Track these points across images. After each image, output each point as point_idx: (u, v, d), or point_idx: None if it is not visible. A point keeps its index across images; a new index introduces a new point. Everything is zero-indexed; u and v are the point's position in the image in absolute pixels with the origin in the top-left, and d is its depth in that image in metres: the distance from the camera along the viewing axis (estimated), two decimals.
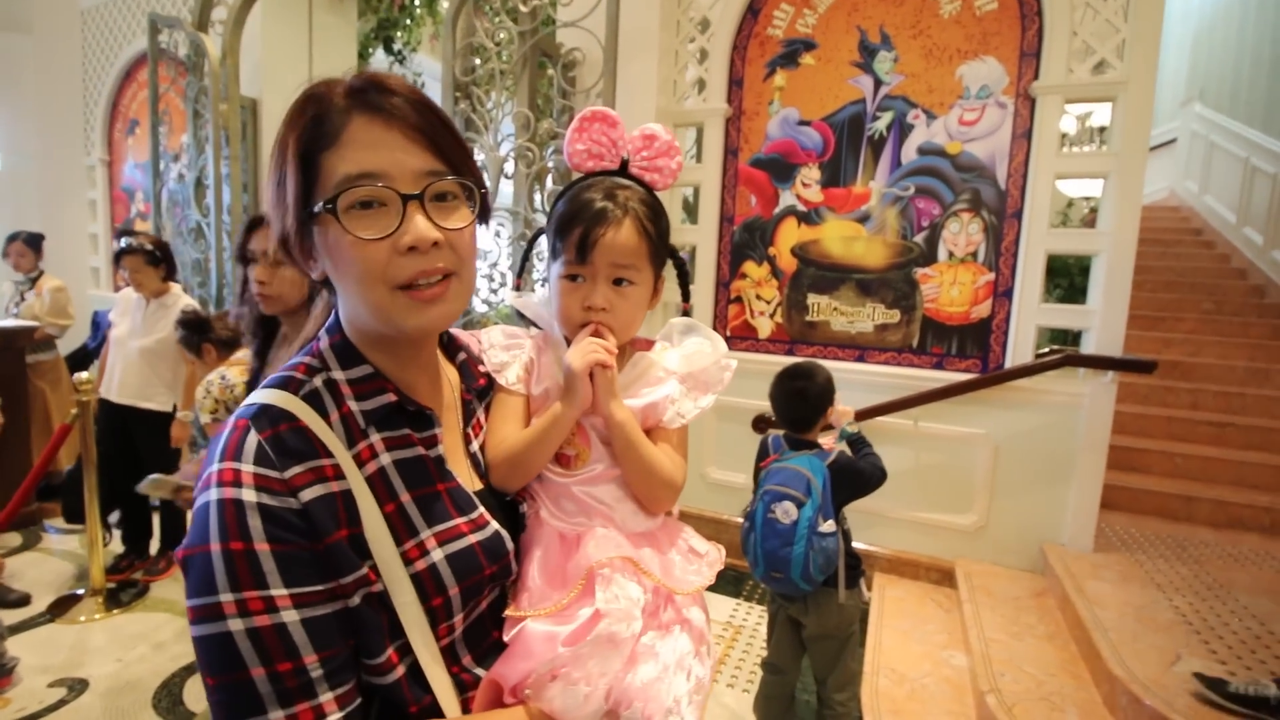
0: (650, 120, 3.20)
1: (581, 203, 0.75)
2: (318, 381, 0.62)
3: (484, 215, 0.67)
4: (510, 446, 0.73)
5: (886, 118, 2.98)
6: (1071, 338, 3.47)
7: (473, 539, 0.64)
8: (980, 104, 2.83)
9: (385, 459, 0.62)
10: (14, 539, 3.22)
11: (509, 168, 3.16)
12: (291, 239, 0.62)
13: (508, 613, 0.67)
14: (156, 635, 2.61)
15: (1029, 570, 2.87)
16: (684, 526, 0.81)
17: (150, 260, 2.85)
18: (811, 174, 3.12)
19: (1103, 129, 5.21)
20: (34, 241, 3.97)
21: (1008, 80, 2.79)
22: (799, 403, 1.88)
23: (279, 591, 0.52)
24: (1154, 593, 2.49)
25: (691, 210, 3.71)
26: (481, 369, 0.79)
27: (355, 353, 0.64)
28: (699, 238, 3.35)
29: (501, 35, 3.18)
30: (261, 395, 0.60)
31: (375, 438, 0.62)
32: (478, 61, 3.23)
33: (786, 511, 1.71)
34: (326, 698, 0.54)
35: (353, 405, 0.62)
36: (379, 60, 5.52)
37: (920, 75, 2.92)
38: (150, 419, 2.94)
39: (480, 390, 0.78)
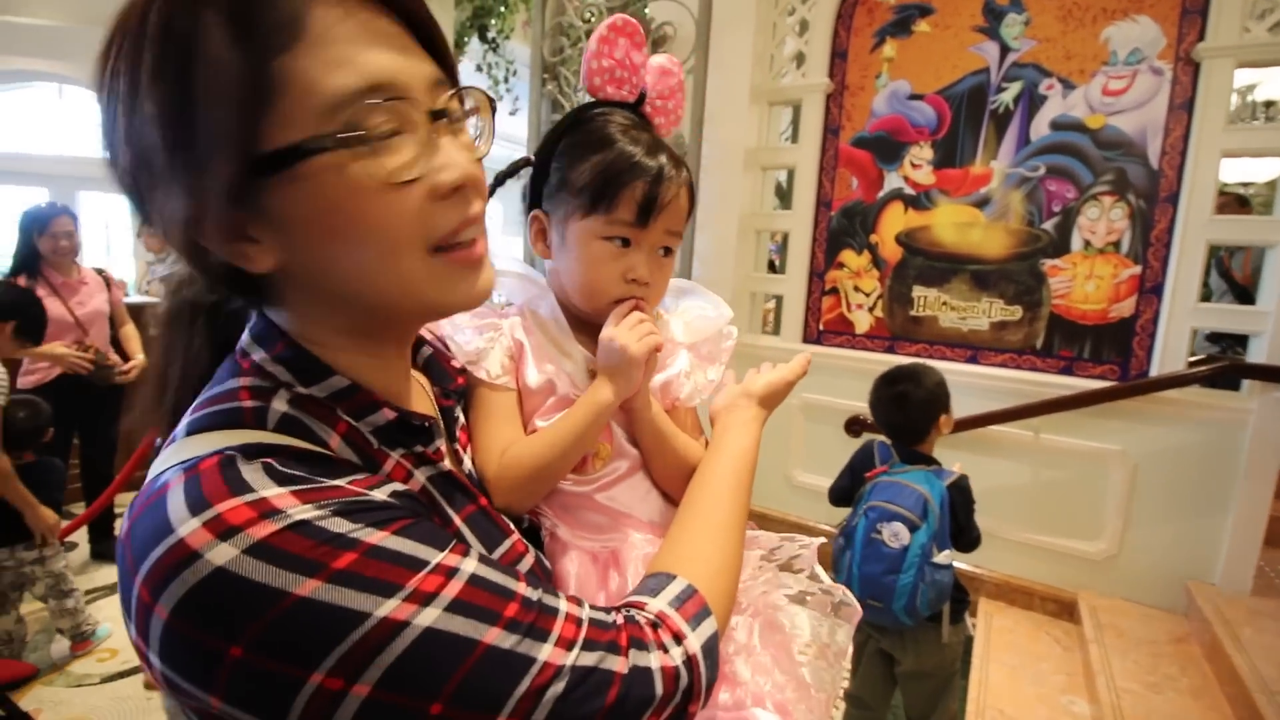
0: (744, 98, 3.02)
1: (628, 153, 0.63)
2: (281, 405, 0.44)
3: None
4: (528, 456, 0.59)
5: (1014, 89, 2.65)
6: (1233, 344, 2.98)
7: (530, 560, 0.54)
8: (1130, 70, 2.45)
9: (421, 476, 0.50)
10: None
11: None
12: (209, 212, 0.40)
13: None
14: None
15: (1168, 610, 2.49)
16: None
17: None
18: (922, 154, 2.83)
19: (1269, 104, 4.50)
20: None
21: (1165, 42, 2.39)
22: (900, 409, 1.66)
23: (440, 556, 0.40)
24: None
25: (785, 195, 3.49)
26: (455, 364, 0.65)
27: (317, 364, 0.47)
28: (792, 224, 3.13)
29: (590, 14, 3.07)
30: (198, 444, 0.41)
31: (396, 455, 0.49)
32: (566, 41, 3.14)
33: (896, 534, 1.50)
34: (564, 603, 0.44)
35: (353, 422, 0.47)
36: (474, 49, 5.57)
37: (1056, 39, 2.56)
38: None
39: (459, 391, 0.63)
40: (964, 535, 1.62)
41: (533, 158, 0.67)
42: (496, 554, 0.52)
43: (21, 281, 2.61)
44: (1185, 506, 2.44)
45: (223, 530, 0.35)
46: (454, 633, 0.38)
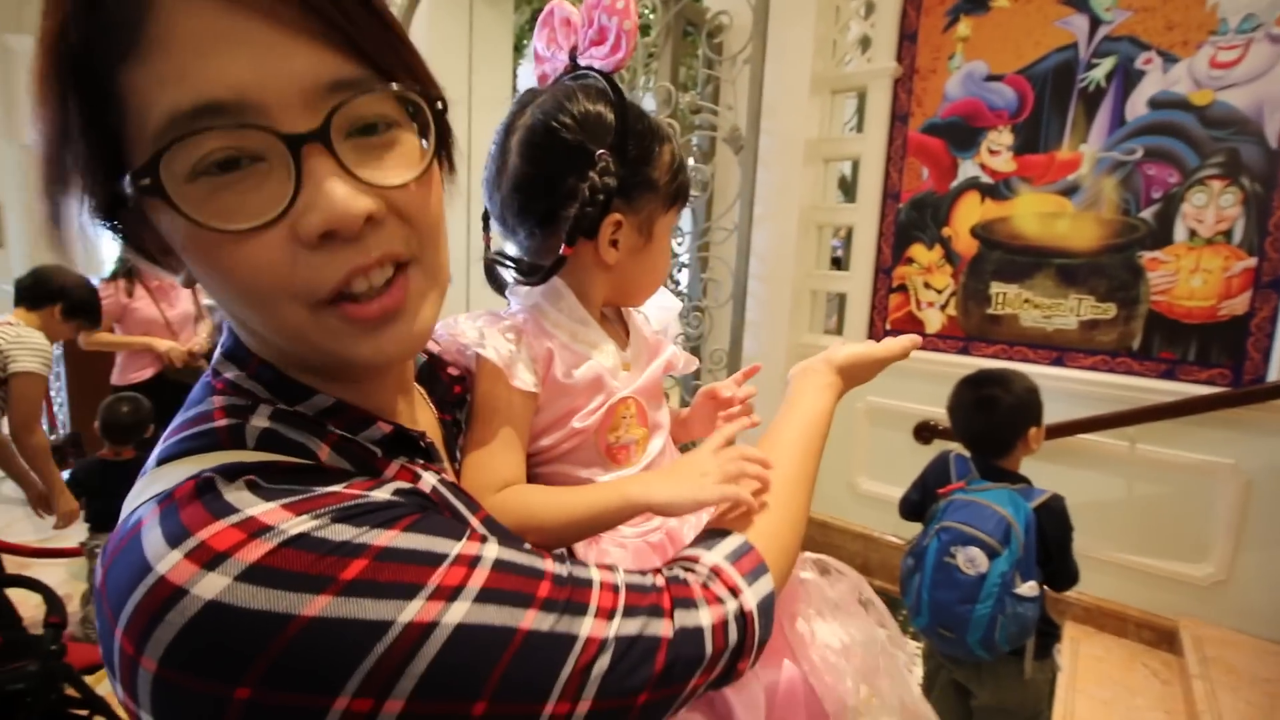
0: (804, 87, 2.87)
1: (668, 133, 0.64)
2: (261, 421, 0.40)
3: (445, 150, 0.43)
4: (527, 514, 0.54)
5: (1106, 64, 2.41)
6: None
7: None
8: (1243, 39, 2.19)
9: (431, 478, 0.46)
10: None
11: None
12: (103, 228, 0.36)
13: None
14: None
15: None
16: None
17: None
18: (1001, 139, 2.62)
19: None
20: None
21: None
22: (984, 416, 1.49)
23: (458, 546, 0.37)
24: None
25: (849, 188, 3.32)
26: (453, 372, 0.60)
27: (295, 385, 0.43)
28: (856, 218, 2.96)
29: (644, 10, 3.01)
30: (173, 473, 0.36)
31: (402, 460, 0.45)
32: None
33: (972, 560, 1.35)
34: (597, 574, 0.42)
35: (345, 433, 0.43)
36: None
37: (1155, 8, 2.31)
38: None
39: (456, 402, 0.59)
40: (1056, 569, 1.44)
41: (606, 153, 0.58)
42: None
43: (120, 284, 2.75)
44: None
45: (209, 559, 0.31)
46: (488, 624, 0.35)
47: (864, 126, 2.92)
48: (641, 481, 0.56)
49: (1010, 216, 2.63)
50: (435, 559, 0.35)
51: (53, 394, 3.63)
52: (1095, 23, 2.42)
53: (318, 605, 0.31)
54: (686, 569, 0.47)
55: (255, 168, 0.34)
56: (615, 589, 0.41)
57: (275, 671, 0.30)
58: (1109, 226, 2.45)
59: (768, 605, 0.47)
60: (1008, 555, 1.33)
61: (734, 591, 0.46)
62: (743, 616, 0.45)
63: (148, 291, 2.83)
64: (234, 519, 0.32)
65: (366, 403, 0.46)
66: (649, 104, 3.02)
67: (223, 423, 0.39)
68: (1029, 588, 1.35)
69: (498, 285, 0.67)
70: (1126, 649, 2.39)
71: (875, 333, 2.99)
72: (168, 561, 0.31)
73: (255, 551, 0.31)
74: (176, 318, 2.91)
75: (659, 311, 0.75)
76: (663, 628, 0.41)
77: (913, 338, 0.70)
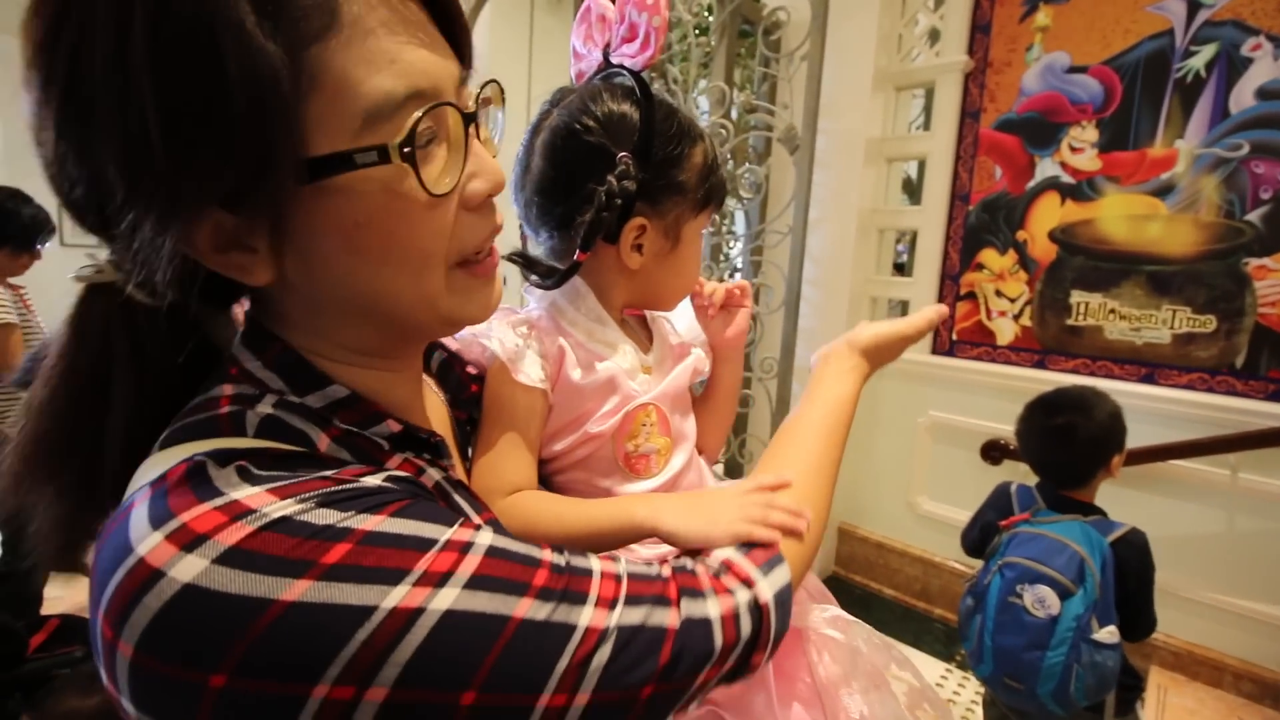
0: (866, 84, 2.74)
1: (708, 141, 0.63)
2: (264, 408, 0.40)
3: None
4: (531, 522, 0.53)
5: (1206, 52, 2.19)
6: None
7: None
8: None
9: (436, 474, 0.46)
10: None
11: None
12: (204, 220, 0.35)
13: None
14: None
15: None
16: (738, 482, 0.72)
17: None
18: (1085, 135, 2.42)
19: None
20: None
21: None
22: (1063, 446, 1.34)
23: (449, 532, 0.36)
24: None
25: (914, 189, 3.15)
26: (471, 371, 0.58)
27: (314, 372, 0.43)
28: (921, 221, 2.80)
29: (697, 8, 2.93)
30: (167, 458, 0.36)
31: (409, 454, 0.46)
32: (673, 38, 3.02)
33: (1042, 601, 1.21)
34: (598, 563, 0.41)
35: (351, 428, 0.43)
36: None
37: None
38: None
39: (472, 401, 0.57)
40: (1133, 614, 1.27)
41: (630, 157, 0.57)
42: None
43: None
44: None
45: (188, 541, 0.30)
46: (479, 611, 0.34)
47: (931, 124, 2.77)
48: (652, 504, 0.53)
49: (1094, 219, 2.42)
50: (424, 544, 0.34)
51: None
52: (1194, 6, 2.21)
53: (297, 590, 0.30)
54: (696, 560, 0.46)
55: (430, 146, 0.39)
56: (617, 578, 0.40)
57: (251, 658, 0.29)
58: (1209, 230, 2.21)
59: (785, 596, 0.45)
60: (1082, 596, 1.18)
61: (747, 583, 0.44)
62: (758, 608, 0.43)
63: None
64: (218, 502, 0.32)
65: (384, 395, 0.46)
66: (703, 105, 2.94)
67: (225, 410, 0.39)
68: (1108, 633, 1.19)
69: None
70: (1223, 702, 2.14)
71: (940, 344, 2.81)
72: (148, 543, 0.31)
73: (235, 534, 0.31)
74: None
75: (688, 319, 0.73)
76: (669, 618, 0.40)
77: (939, 308, 0.68)
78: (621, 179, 0.56)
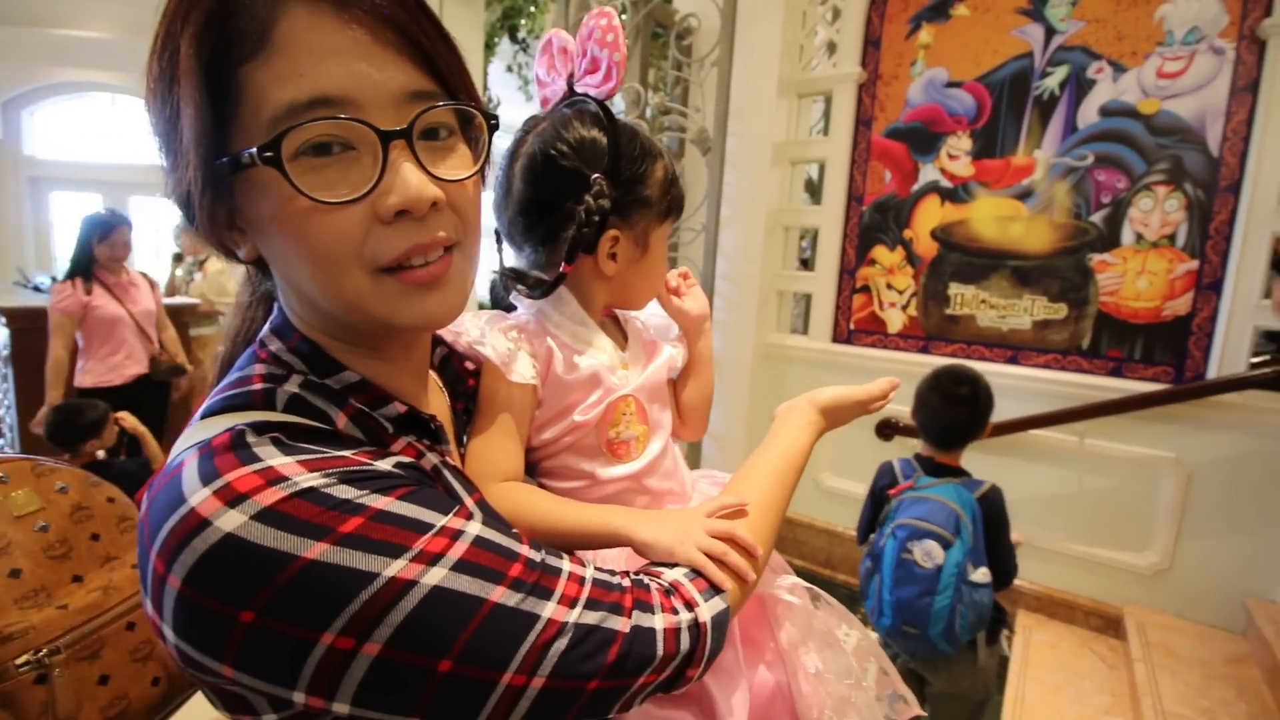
0: (772, 90, 2.92)
1: (659, 150, 0.68)
2: (292, 388, 0.45)
3: (486, 162, 0.50)
4: (518, 512, 0.57)
5: (1060, 73, 2.50)
6: None
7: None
8: (1187, 51, 2.29)
9: (433, 458, 0.51)
10: None
11: None
12: (196, 204, 0.42)
13: None
14: None
15: (1224, 629, 2.33)
16: (705, 470, 0.80)
17: None
18: (960, 144, 2.70)
19: None
20: None
21: (1227, 19, 2.22)
22: (964, 410, 1.55)
23: (445, 519, 0.41)
24: None
25: (815, 190, 3.38)
26: (469, 365, 0.64)
27: (328, 358, 0.48)
28: (822, 220, 3.03)
29: (613, 7, 3.02)
30: (213, 425, 0.41)
31: (410, 439, 0.50)
32: None
33: (929, 553, 1.41)
34: (568, 564, 0.46)
35: (364, 408, 0.48)
36: (505, 49, 5.58)
37: (1106, 19, 2.40)
38: None
39: (469, 393, 0.63)
40: (998, 561, 1.50)
41: (603, 178, 0.63)
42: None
43: (78, 283, 2.72)
44: (1244, 518, 2.28)
45: (232, 498, 0.36)
46: (461, 591, 0.39)
47: (829, 130, 2.98)
48: (629, 516, 0.57)
49: (968, 219, 2.71)
50: (423, 527, 0.39)
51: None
52: (1050, 32, 2.51)
53: (317, 550, 0.36)
54: (651, 578, 0.50)
55: (346, 154, 0.41)
56: (582, 581, 0.45)
57: (276, 602, 0.35)
58: (1061, 230, 2.54)
59: (721, 621, 0.50)
60: (960, 545, 1.40)
61: (690, 605, 0.49)
62: (697, 628, 0.48)
63: (107, 290, 2.79)
64: (256, 466, 0.37)
65: (388, 382, 0.51)
66: (618, 104, 3.04)
67: (258, 387, 0.45)
68: (982, 574, 1.41)
69: (506, 292, 0.72)
70: (1076, 635, 2.49)
71: (839, 333, 3.05)
72: (199, 496, 0.36)
73: (271, 496, 0.36)
74: (141, 314, 2.88)
75: (658, 318, 0.79)
76: (620, 624, 0.44)
77: (891, 380, 0.76)
78: (598, 198, 0.61)
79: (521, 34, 5.51)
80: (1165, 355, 2.40)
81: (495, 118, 0.48)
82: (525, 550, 0.44)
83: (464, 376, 0.63)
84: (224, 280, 4.30)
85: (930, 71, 2.74)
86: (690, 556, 0.52)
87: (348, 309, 0.44)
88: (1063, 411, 2.45)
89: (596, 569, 0.47)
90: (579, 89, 0.65)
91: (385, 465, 0.42)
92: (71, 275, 2.74)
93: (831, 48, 2.94)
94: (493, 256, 0.69)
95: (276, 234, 0.42)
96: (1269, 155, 2.16)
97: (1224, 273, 2.28)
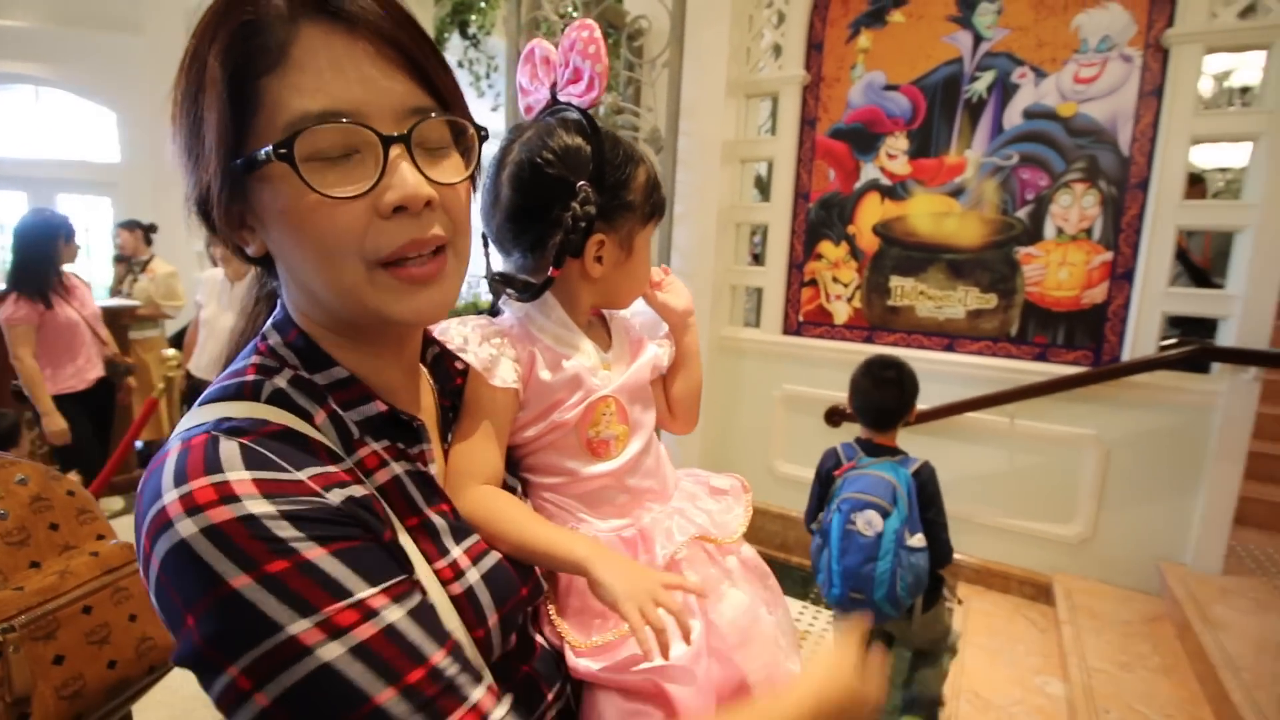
0: (721, 91, 3.02)
1: (640, 156, 0.69)
2: (280, 382, 0.49)
3: (476, 171, 0.53)
4: (490, 521, 0.58)
5: (987, 78, 2.67)
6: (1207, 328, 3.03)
7: (492, 561, 0.54)
8: (1100, 58, 2.48)
9: (397, 469, 0.51)
10: (116, 503, 3.45)
11: None
12: (214, 201, 0.46)
13: (583, 649, 0.59)
14: None
15: (1142, 591, 2.54)
16: (694, 469, 0.80)
17: None
18: (898, 144, 2.85)
19: (1245, 89, 4.53)
20: (146, 230, 4.31)
21: (1135, 29, 2.41)
22: (892, 392, 1.70)
23: (368, 592, 0.41)
24: None
25: (764, 186, 3.50)
26: (459, 365, 0.66)
27: (321, 353, 0.52)
28: (771, 216, 3.14)
29: (567, 8, 3.07)
30: (205, 413, 0.46)
31: (377, 445, 0.51)
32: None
33: (869, 522, 1.53)
34: (478, 694, 0.43)
35: (338, 409, 0.50)
36: (455, 45, 5.54)
37: (1028, 28, 2.58)
38: None
39: (457, 391, 0.65)
40: (933, 530, 1.63)
41: (588, 185, 0.64)
42: (465, 545, 0.52)
43: (35, 292, 2.59)
44: (1157, 488, 2.49)
45: (190, 507, 0.39)
46: (349, 679, 0.38)
47: (777, 129, 3.10)
48: (595, 551, 0.57)
49: (906, 216, 2.86)
50: (341, 593, 0.40)
51: None
52: (978, 39, 2.67)
53: (241, 581, 0.38)
54: None
55: (353, 158, 0.45)
56: (484, 718, 0.42)
57: (206, 617, 0.39)
58: (990, 225, 2.71)
59: None
60: (897, 514, 1.52)
61: None
62: None
63: (60, 294, 2.67)
64: (216, 479, 0.40)
65: (377, 378, 0.54)
66: None
67: (250, 378, 0.49)
68: (918, 540, 1.54)
69: (495, 296, 0.73)
70: (1010, 603, 2.67)
71: (790, 325, 3.17)
72: (169, 496, 0.40)
73: (219, 515, 0.39)
74: (91, 316, 2.81)
75: (646, 315, 0.80)
76: None
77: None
78: (584, 204, 0.63)
79: (472, 30, 5.49)
80: (1085, 340, 2.59)
81: (485, 129, 0.52)
82: (438, 658, 0.42)
83: (453, 375, 0.65)
84: (173, 283, 4.17)
85: (869, 75, 2.88)
86: (631, 615, 0.51)
87: (345, 300, 0.48)
88: (994, 395, 2.62)
89: (512, 713, 0.45)
90: (562, 98, 0.67)
91: (335, 499, 0.43)
92: (31, 281, 2.58)
93: (777, 50, 3.06)
94: (480, 260, 0.71)
95: (285, 228, 0.46)
96: (1172, 155, 2.36)
97: (1135, 263, 2.48)
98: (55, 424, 2.58)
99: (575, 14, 3.07)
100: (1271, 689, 1.78)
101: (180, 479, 0.40)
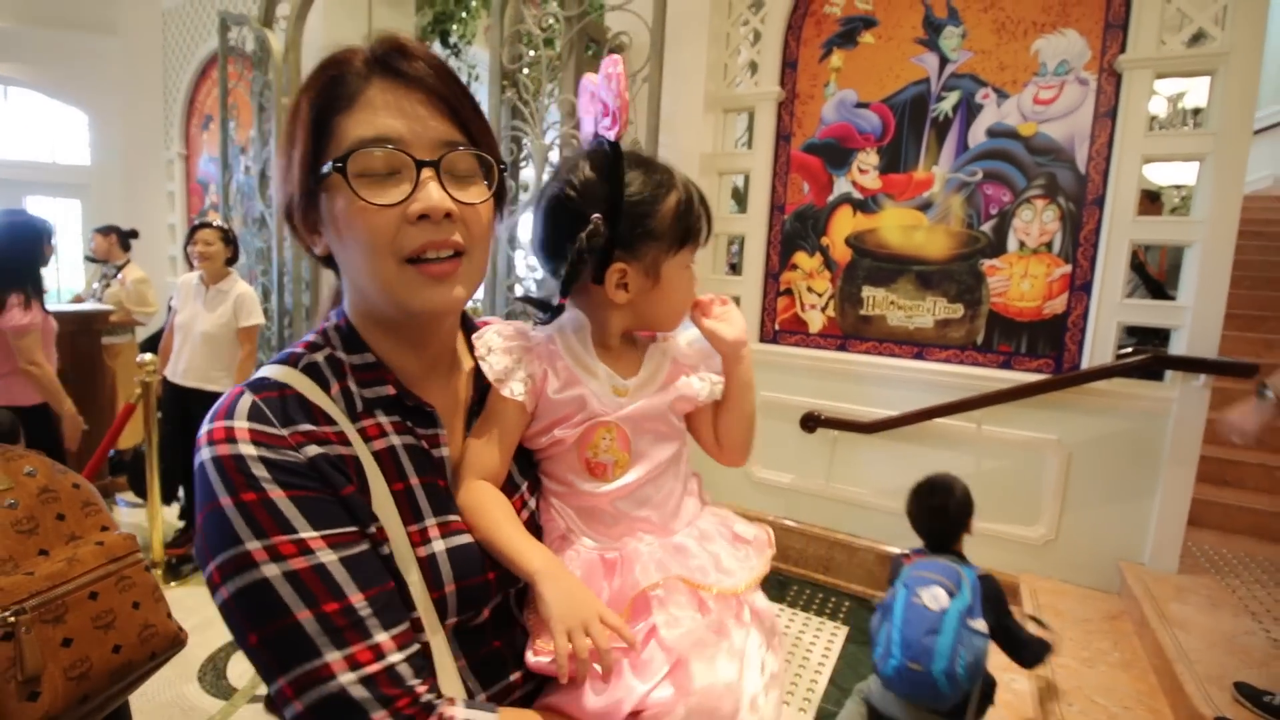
0: (699, 105, 3.11)
1: (687, 189, 0.72)
2: (319, 356, 0.61)
3: (499, 199, 0.64)
4: (471, 516, 0.63)
5: (952, 98, 2.78)
6: (1160, 338, 3.17)
7: (463, 539, 0.61)
8: (1058, 81, 2.60)
9: (395, 440, 0.61)
10: None
11: (554, 156, 3.11)
12: (295, 207, 0.59)
13: (539, 650, 0.61)
14: (208, 609, 2.69)
15: (1103, 590, 2.63)
16: (727, 512, 0.78)
17: (224, 238, 2.95)
18: (869, 159, 2.95)
19: (1197, 111, 4.77)
20: (124, 236, 4.25)
21: (1090, 54, 2.55)
22: (940, 519, 1.80)
23: (309, 534, 0.51)
24: (1247, 621, 2.24)
25: (741, 198, 3.59)
26: None
27: (358, 339, 0.63)
28: (748, 227, 3.23)
29: (550, 21, 3.13)
30: (264, 370, 0.60)
31: (383, 419, 0.61)
32: (524, 48, 3.20)
33: (935, 597, 1.56)
34: (382, 637, 0.51)
35: (352, 385, 0.61)
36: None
37: (991, 51, 2.70)
38: (211, 400, 3.03)
39: (485, 390, 0.70)
40: (1015, 639, 1.69)
41: (600, 218, 0.66)
42: (439, 519, 0.60)
43: (33, 299, 2.49)
44: (1116, 491, 2.59)
45: (210, 439, 0.53)
46: (278, 594, 0.49)
47: (753, 144, 3.19)
48: (549, 567, 0.61)
49: (877, 228, 2.97)
50: (286, 528, 0.50)
51: None
52: (944, 61, 2.79)
53: (225, 501, 0.50)
54: (444, 705, 0.52)
55: (394, 176, 0.56)
56: (379, 657, 0.50)
57: (204, 520, 0.52)
58: (956, 238, 2.82)
59: None
60: (960, 597, 1.57)
61: None
62: None
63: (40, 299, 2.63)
64: (228, 423, 0.53)
65: (399, 364, 0.63)
66: (554, 115, 3.14)
67: (298, 350, 0.62)
68: (980, 624, 1.57)
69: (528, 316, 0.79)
70: None
71: (766, 333, 3.25)
72: (205, 426, 0.54)
73: (222, 450, 0.52)
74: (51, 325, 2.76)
75: (699, 342, 0.78)
76: (379, 716, 0.49)
77: None
78: (590, 236, 0.64)
79: (453, 39, 5.53)
80: (1046, 349, 2.70)
81: (505, 164, 0.63)
82: (356, 599, 0.50)
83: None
84: (144, 290, 4.13)
85: (841, 92, 2.99)
86: (559, 637, 0.55)
87: (380, 290, 0.58)
88: (961, 401, 2.72)
89: (411, 661, 0.52)
90: (599, 131, 0.70)
91: (307, 454, 0.53)
92: (32, 283, 2.50)
93: (753, 67, 3.16)
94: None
95: (339, 228, 0.57)
96: (1125, 173, 2.49)
97: (1093, 276, 2.59)
98: (79, 425, 2.60)
99: (558, 26, 3.13)
100: (1223, 681, 1.88)
101: (213, 416, 0.54)
